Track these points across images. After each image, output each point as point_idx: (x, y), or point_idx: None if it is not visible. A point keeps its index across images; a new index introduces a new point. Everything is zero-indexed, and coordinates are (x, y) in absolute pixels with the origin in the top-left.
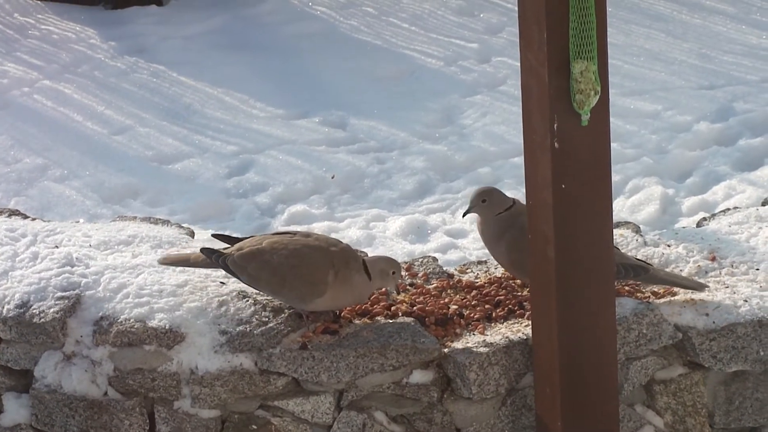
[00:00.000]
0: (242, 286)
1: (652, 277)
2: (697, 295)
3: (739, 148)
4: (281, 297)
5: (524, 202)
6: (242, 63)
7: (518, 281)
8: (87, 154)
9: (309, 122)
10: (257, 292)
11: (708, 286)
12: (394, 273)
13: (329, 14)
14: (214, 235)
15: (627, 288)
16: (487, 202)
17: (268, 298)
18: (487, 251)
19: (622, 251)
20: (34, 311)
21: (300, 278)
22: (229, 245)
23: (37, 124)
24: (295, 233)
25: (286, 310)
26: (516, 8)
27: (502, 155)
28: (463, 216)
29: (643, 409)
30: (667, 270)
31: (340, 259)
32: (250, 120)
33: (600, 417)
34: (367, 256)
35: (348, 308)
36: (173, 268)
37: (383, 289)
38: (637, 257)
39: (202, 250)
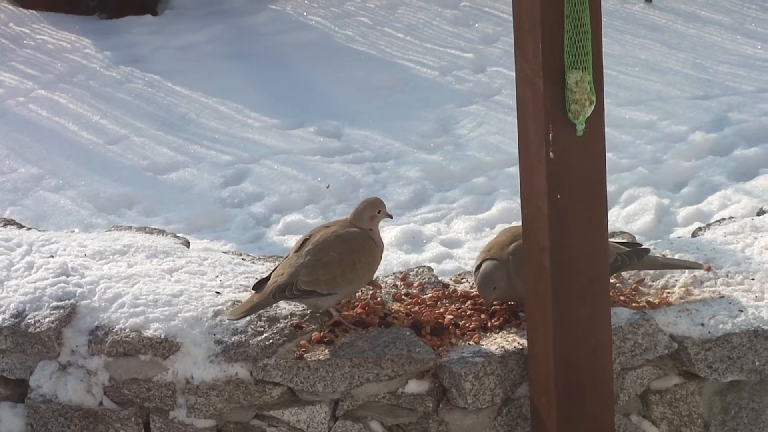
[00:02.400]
0: (237, 295)
1: (652, 261)
2: (692, 305)
3: (734, 158)
4: (353, 285)
5: (519, 214)
6: (237, 73)
7: None
8: (82, 164)
9: (304, 132)
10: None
11: (706, 265)
12: (380, 212)
13: (324, 24)
14: (255, 287)
15: (622, 297)
16: (497, 288)
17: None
18: None
19: (615, 242)
20: (30, 321)
21: (364, 252)
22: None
23: (32, 134)
24: (308, 236)
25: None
26: (511, 18)
27: (497, 165)
28: (488, 312)
29: (638, 419)
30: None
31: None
32: (245, 130)
33: (596, 427)
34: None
35: (348, 316)
36: (168, 277)
37: (378, 299)
38: (632, 242)
39: (276, 294)
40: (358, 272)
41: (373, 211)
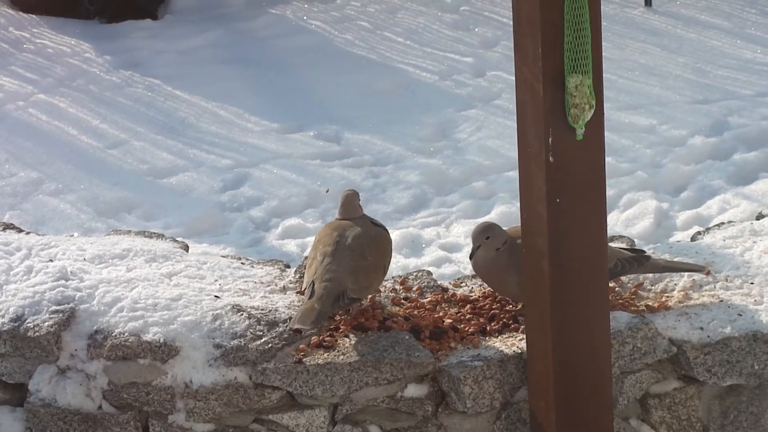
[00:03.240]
0: (236, 299)
1: (653, 265)
2: (692, 309)
3: (733, 162)
4: (377, 286)
5: (518, 218)
6: (237, 77)
7: None
8: (82, 168)
9: (303, 136)
10: (254, 306)
11: (707, 268)
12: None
13: (324, 28)
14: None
15: (621, 301)
16: (490, 238)
17: (263, 311)
18: None
19: (616, 247)
20: (29, 325)
21: (389, 254)
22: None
23: (32, 138)
24: (339, 237)
25: (290, 325)
26: (511, 22)
27: (496, 169)
28: (471, 257)
29: (637, 423)
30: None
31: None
32: (244, 134)
33: (595, 431)
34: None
35: (346, 320)
36: (167, 281)
37: (378, 303)
38: (633, 248)
39: (333, 304)
40: (385, 274)
41: (358, 197)
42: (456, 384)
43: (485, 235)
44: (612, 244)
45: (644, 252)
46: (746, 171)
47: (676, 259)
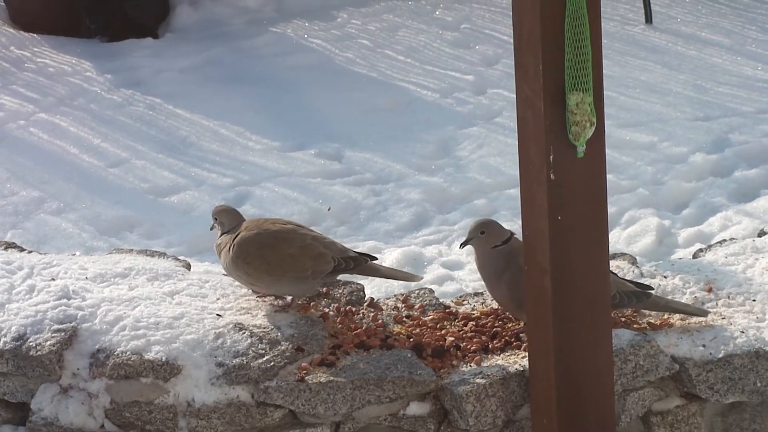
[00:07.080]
0: (238, 318)
1: (654, 303)
2: (694, 327)
3: (734, 179)
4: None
5: (520, 236)
6: (238, 95)
7: None
8: (83, 187)
9: (305, 154)
10: (256, 325)
11: (710, 312)
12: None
13: (325, 47)
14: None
15: (623, 319)
16: (485, 233)
17: (265, 330)
18: (483, 284)
19: (620, 278)
20: (31, 344)
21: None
22: None
23: (33, 157)
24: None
25: (284, 342)
26: (512, 40)
27: (498, 187)
28: (461, 247)
29: None
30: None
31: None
32: (246, 152)
33: None
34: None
35: (348, 338)
36: (169, 300)
37: (380, 321)
38: (638, 282)
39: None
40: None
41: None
42: (458, 402)
43: (480, 229)
44: (614, 263)
45: (649, 289)
46: (748, 188)
47: (677, 278)
